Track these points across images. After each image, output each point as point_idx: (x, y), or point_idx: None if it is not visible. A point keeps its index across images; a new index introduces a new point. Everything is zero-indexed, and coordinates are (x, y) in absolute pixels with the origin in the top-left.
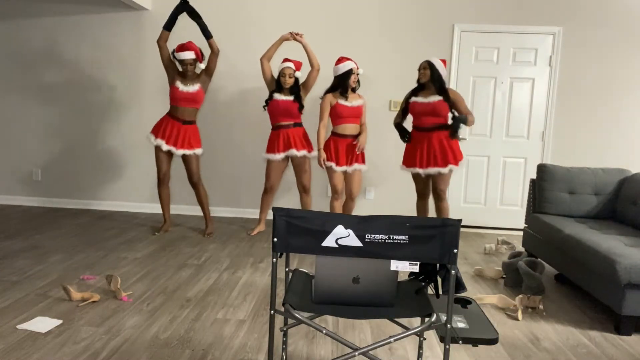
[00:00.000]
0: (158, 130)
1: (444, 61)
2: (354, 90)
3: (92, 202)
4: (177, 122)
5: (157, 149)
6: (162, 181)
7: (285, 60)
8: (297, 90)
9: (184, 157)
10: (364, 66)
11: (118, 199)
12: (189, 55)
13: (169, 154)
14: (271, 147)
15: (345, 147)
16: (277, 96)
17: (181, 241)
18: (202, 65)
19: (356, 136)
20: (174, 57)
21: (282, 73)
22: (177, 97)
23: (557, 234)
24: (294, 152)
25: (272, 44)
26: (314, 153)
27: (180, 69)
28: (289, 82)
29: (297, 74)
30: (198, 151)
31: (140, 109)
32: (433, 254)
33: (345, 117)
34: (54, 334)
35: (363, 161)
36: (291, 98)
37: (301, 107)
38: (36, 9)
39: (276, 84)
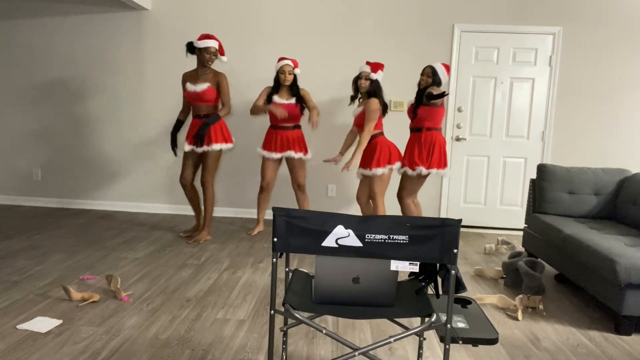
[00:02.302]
0: (189, 134)
1: (447, 67)
2: (371, 95)
3: (92, 202)
4: (196, 119)
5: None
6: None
7: (282, 58)
8: (297, 91)
9: (202, 154)
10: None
11: (118, 199)
12: (213, 43)
13: (194, 154)
14: (268, 145)
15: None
16: (278, 99)
17: (181, 241)
18: (225, 59)
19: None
20: (194, 47)
21: (281, 70)
22: (188, 97)
23: (557, 234)
24: (291, 154)
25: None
26: (309, 156)
27: (200, 59)
28: (289, 78)
29: (296, 70)
30: (215, 146)
31: (140, 109)
32: (433, 254)
33: (355, 124)
34: (54, 334)
35: (368, 166)
36: (293, 101)
37: (302, 109)
38: (36, 9)
39: (274, 84)
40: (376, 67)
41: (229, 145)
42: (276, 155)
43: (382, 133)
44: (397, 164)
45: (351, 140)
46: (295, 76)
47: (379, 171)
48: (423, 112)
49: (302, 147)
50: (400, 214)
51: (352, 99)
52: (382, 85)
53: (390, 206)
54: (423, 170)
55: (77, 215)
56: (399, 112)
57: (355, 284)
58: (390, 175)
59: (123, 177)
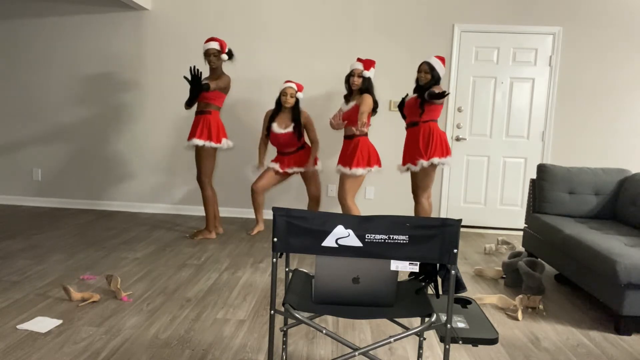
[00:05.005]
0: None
1: (442, 59)
2: (363, 91)
3: (92, 202)
4: (197, 115)
5: None
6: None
7: (288, 81)
8: (298, 115)
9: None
10: None
11: (118, 199)
12: (211, 45)
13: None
14: (276, 160)
15: (343, 148)
16: (276, 129)
17: (181, 241)
18: (225, 57)
19: (347, 137)
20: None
21: (283, 92)
22: None
23: (557, 234)
24: (295, 169)
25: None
26: (318, 167)
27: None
28: (290, 101)
29: (299, 94)
30: (198, 142)
31: (140, 109)
32: (433, 254)
33: (344, 119)
34: (54, 334)
35: (347, 164)
36: (290, 130)
37: (300, 136)
38: (36, 9)
39: (276, 106)
40: (368, 64)
41: (212, 144)
42: (280, 170)
43: (366, 133)
44: (375, 167)
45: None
46: (297, 100)
47: (358, 171)
48: (427, 108)
49: (308, 162)
50: (413, 212)
51: (346, 97)
52: (381, 84)
53: (395, 206)
54: (424, 162)
55: (77, 215)
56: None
57: (355, 284)
58: (364, 178)
59: (123, 177)
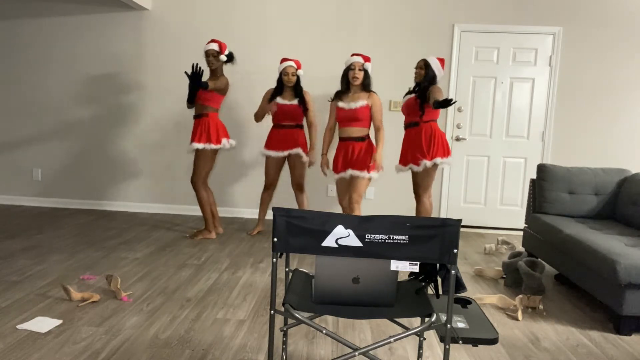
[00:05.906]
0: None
1: (442, 60)
2: (366, 87)
3: (92, 202)
4: (195, 118)
5: None
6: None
7: (285, 59)
8: (301, 91)
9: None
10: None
11: (118, 199)
12: (210, 46)
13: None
14: (269, 144)
15: (342, 152)
16: (281, 101)
17: (181, 241)
18: (223, 58)
19: (357, 139)
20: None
21: (284, 72)
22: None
23: (557, 234)
24: (291, 152)
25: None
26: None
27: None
28: (292, 79)
29: (299, 72)
30: (198, 146)
31: (140, 109)
32: (433, 254)
33: (342, 120)
34: (54, 334)
35: (364, 168)
36: (295, 102)
37: (305, 110)
38: (36, 9)
39: (277, 85)
40: (366, 57)
41: (212, 146)
42: (278, 154)
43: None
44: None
45: (331, 137)
46: (298, 77)
47: (375, 175)
48: (427, 109)
49: (303, 146)
50: (413, 211)
51: (339, 94)
52: (382, 84)
53: (395, 206)
54: (427, 162)
55: (77, 215)
56: (399, 112)
57: (355, 284)
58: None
59: (123, 177)
